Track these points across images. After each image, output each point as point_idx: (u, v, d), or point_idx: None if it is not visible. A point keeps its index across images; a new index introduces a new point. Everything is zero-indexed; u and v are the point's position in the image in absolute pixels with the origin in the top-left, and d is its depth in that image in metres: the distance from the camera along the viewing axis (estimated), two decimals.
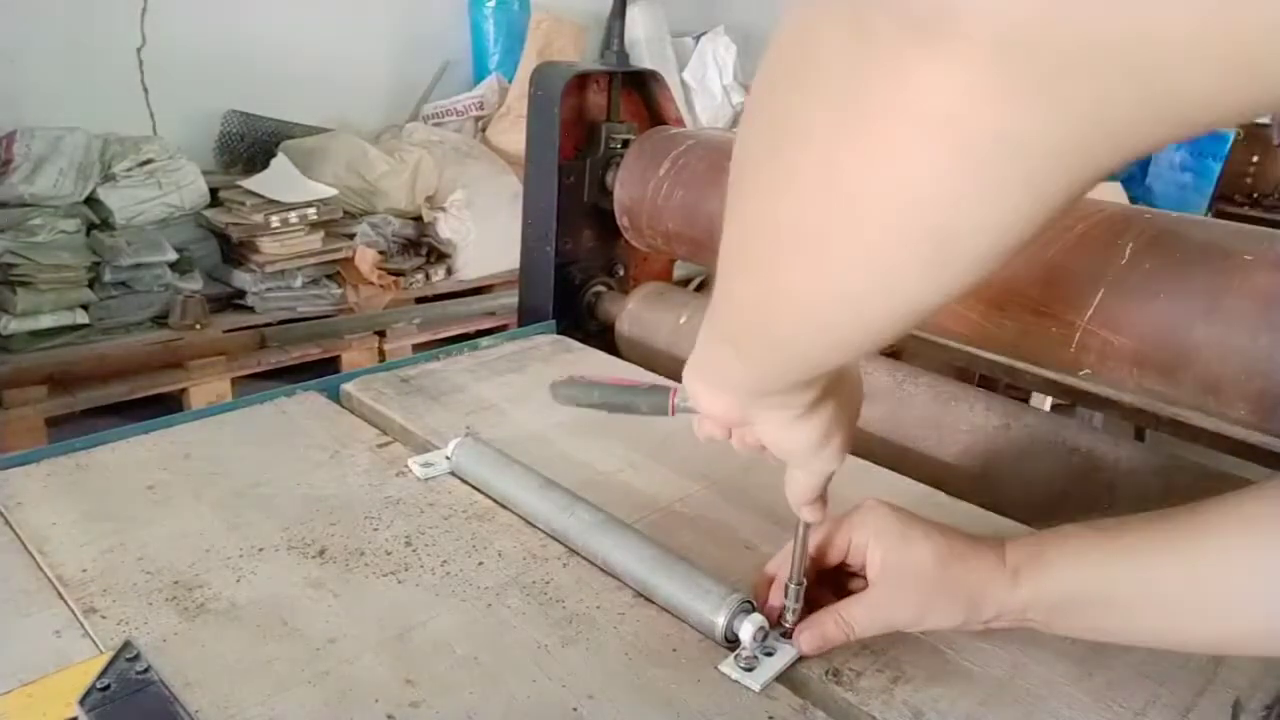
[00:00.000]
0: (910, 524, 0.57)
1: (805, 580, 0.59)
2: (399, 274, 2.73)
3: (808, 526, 0.58)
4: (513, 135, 3.04)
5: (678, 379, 0.58)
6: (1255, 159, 3.50)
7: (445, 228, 2.79)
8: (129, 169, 2.36)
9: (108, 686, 0.52)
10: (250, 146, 2.79)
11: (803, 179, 0.32)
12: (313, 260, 2.55)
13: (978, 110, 0.26)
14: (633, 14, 3.19)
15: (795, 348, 0.40)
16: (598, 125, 1.17)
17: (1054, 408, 1.54)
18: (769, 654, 0.57)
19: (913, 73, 0.26)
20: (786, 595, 0.59)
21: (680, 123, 1.23)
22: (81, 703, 0.51)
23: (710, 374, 0.50)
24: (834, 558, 0.60)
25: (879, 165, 0.29)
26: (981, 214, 0.29)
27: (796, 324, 0.38)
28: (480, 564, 0.66)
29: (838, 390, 0.50)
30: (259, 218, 2.43)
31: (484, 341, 1.09)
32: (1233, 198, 3.47)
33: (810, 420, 0.49)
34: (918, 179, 0.28)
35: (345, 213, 2.65)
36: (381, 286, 2.66)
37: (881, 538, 0.57)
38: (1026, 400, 1.52)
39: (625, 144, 1.17)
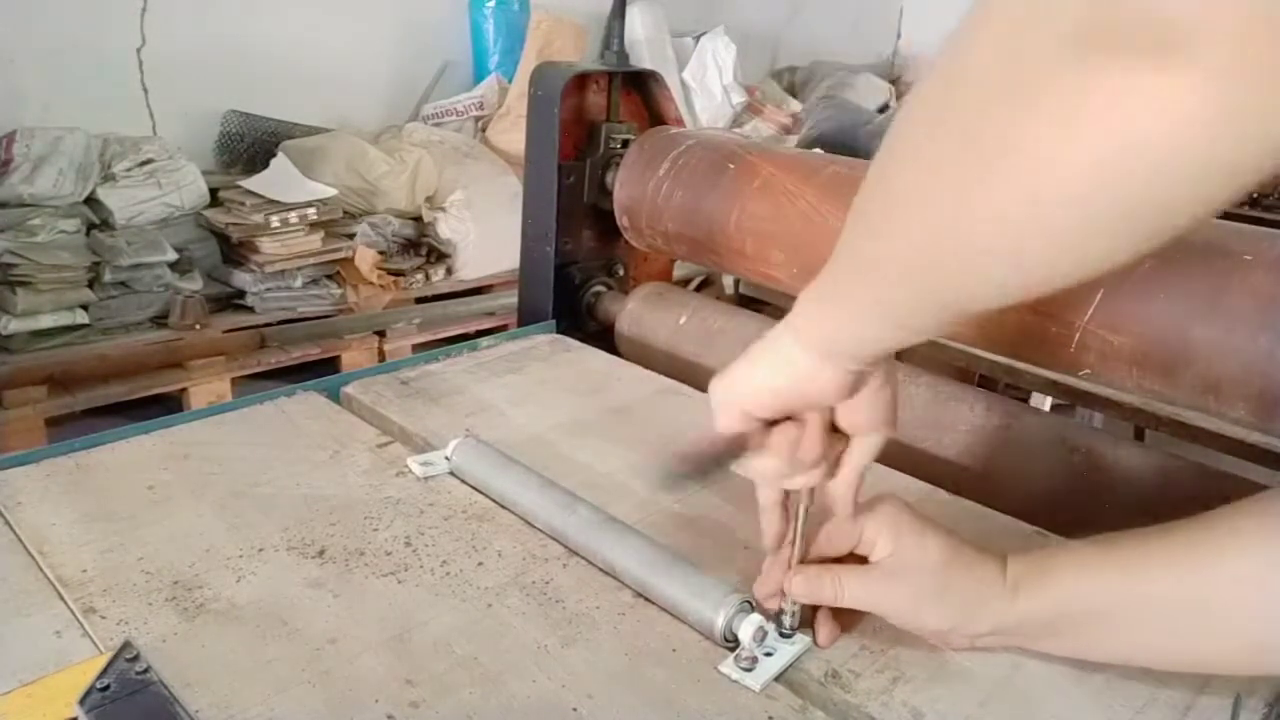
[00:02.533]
0: (923, 524, 0.58)
1: None
2: (399, 274, 2.73)
3: (803, 527, 0.59)
4: (513, 135, 3.04)
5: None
6: None
7: (445, 228, 2.79)
8: (129, 169, 2.36)
9: (107, 687, 0.52)
10: (250, 146, 2.79)
11: (1005, 179, 0.36)
12: (313, 260, 2.55)
13: (1196, 135, 0.30)
14: (633, 14, 3.19)
15: (956, 288, 0.43)
16: (598, 125, 1.17)
17: (1054, 408, 1.54)
18: (768, 654, 0.57)
19: (1140, 93, 0.30)
20: (785, 597, 0.59)
21: (680, 123, 1.23)
22: (81, 703, 0.51)
23: (820, 336, 0.53)
24: (843, 547, 0.60)
25: (1089, 163, 0.32)
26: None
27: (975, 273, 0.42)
28: (480, 564, 0.66)
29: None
30: (259, 218, 2.43)
31: (484, 342, 1.09)
32: None
33: (889, 377, 0.56)
34: (1127, 178, 0.32)
35: (345, 213, 2.65)
36: (381, 286, 2.66)
37: (893, 531, 0.57)
38: (1026, 400, 1.51)
39: (625, 144, 1.17)
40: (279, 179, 2.56)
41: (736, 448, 0.56)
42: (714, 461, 0.56)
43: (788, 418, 0.56)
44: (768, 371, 0.55)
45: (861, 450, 0.58)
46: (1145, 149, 0.31)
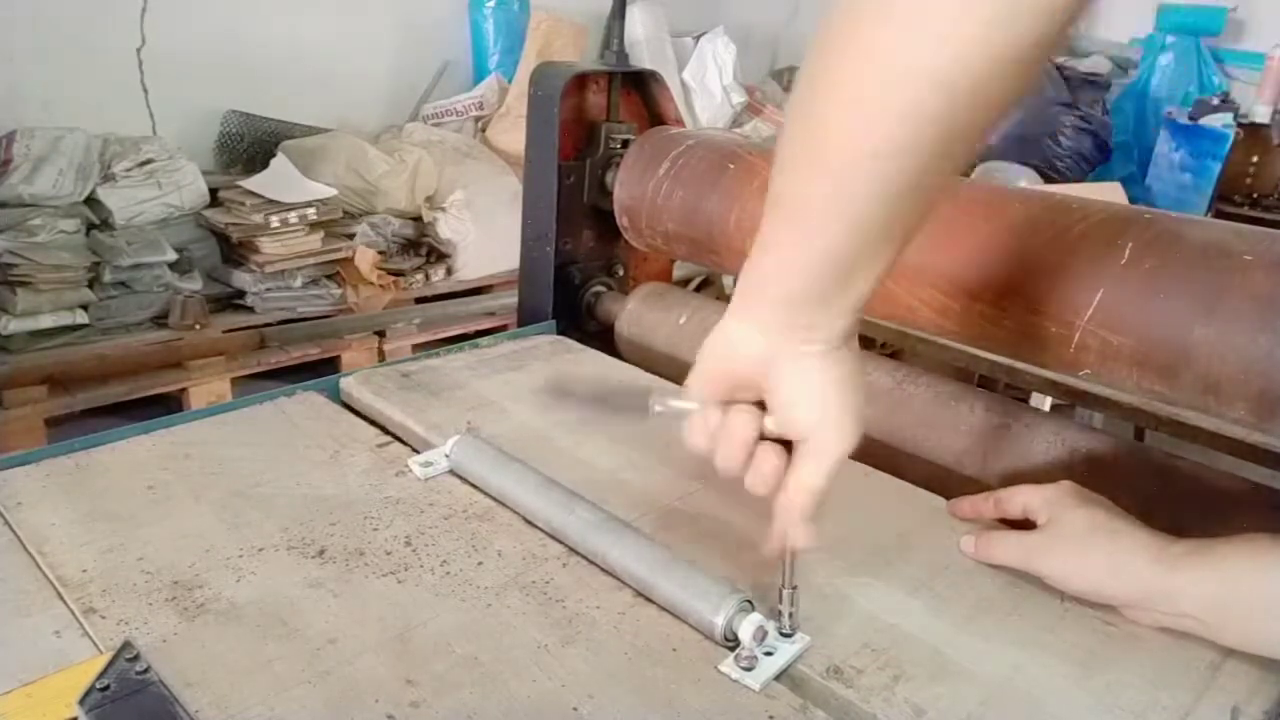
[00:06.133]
0: (1082, 500, 0.64)
1: (798, 585, 0.59)
2: (399, 274, 2.73)
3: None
4: (513, 135, 3.04)
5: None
6: (1255, 159, 3.49)
7: (445, 228, 2.79)
8: (129, 169, 2.36)
9: (107, 687, 0.52)
10: (250, 146, 2.79)
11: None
12: (312, 260, 2.55)
13: None
14: (633, 14, 3.19)
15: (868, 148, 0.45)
16: (597, 125, 1.17)
17: (1054, 408, 1.54)
18: (768, 653, 0.57)
19: None
20: (781, 600, 0.59)
21: (680, 123, 1.23)
22: (81, 703, 0.51)
23: (752, 296, 0.53)
24: (1013, 513, 0.68)
25: None
26: None
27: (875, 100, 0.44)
28: (480, 564, 0.66)
29: (850, 351, 0.54)
30: (259, 218, 2.43)
31: (483, 341, 1.09)
32: (1233, 198, 3.46)
33: (837, 362, 0.53)
34: None
35: (345, 213, 2.65)
36: (381, 287, 2.66)
37: (1049, 502, 0.65)
38: (1026, 400, 1.52)
39: (625, 144, 1.17)
40: (279, 179, 2.56)
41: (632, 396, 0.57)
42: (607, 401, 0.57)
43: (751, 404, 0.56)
44: (708, 344, 0.57)
45: (803, 461, 0.53)
46: None
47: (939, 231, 0.81)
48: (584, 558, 0.67)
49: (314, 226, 2.53)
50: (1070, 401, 1.22)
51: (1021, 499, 0.67)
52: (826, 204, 0.48)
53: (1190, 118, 3.48)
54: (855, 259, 0.50)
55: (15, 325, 2.14)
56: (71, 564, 0.64)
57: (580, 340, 1.12)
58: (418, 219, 2.79)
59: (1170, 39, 3.95)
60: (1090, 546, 0.62)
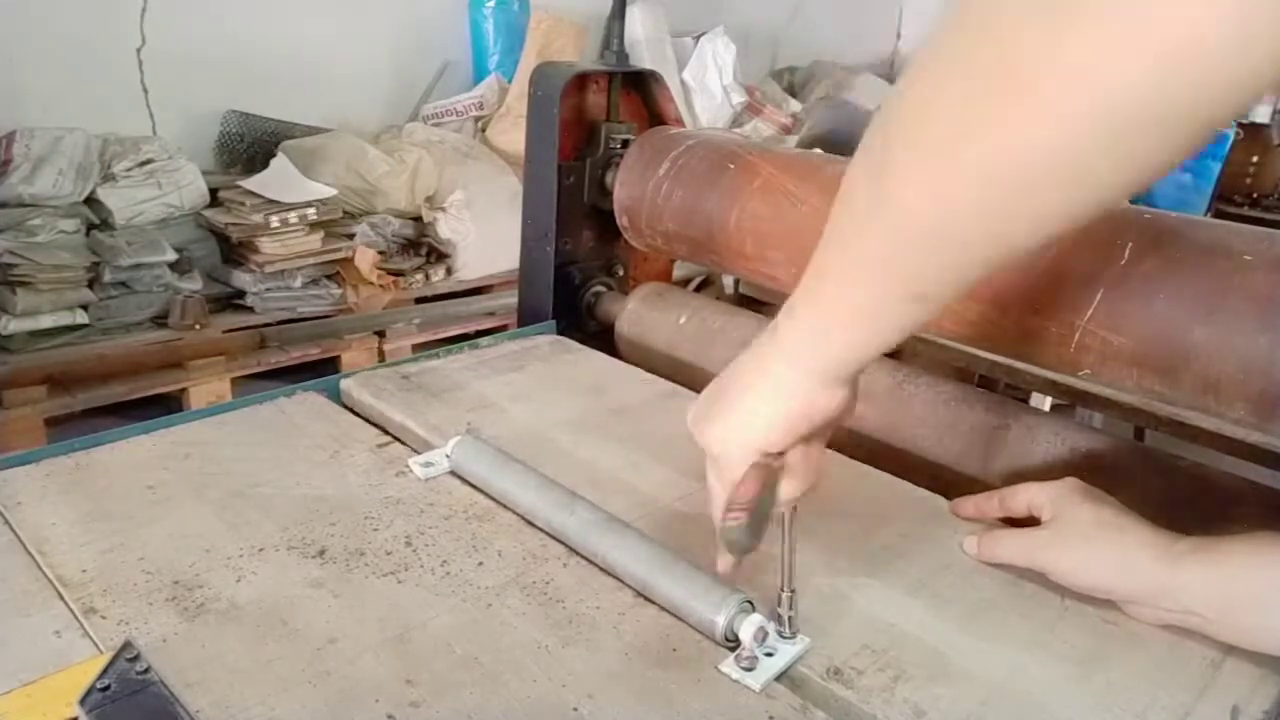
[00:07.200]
0: (1087, 496, 0.64)
1: (796, 589, 0.59)
2: (399, 274, 2.73)
3: (794, 537, 0.59)
4: (513, 135, 3.04)
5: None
6: (1255, 159, 3.49)
7: (445, 228, 2.79)
8: (129, 169, 2.36)
9: (108, 687, 0.52)
10: (250, 146, 2.79)
11: (1058, 95, 0.35)
12: (312, 260, 2.55)
13: (1234, 31, 0.31)
14: (633, 14, 3.19)
15: (979, 230, 0.42)
16: (597, 125, 1.17)
17: (1054, 408, 1.54)
18: (769, 654, 0.57)
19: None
20: (780, 603, 0.59)
21: (680, 123, 1.23)
22: (81, 703, 0.51)
23: (816, 347, 0.52)
24: (1017, 511, 0.68)
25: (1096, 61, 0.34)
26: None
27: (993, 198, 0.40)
28: (480, 564, 0.66)
29: None
30: (259, 218, 2.43)
31: (483, 341, 1.09)
32: (1233, 198, 3.46)
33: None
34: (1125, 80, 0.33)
35: (345, 213, 2.65)
36: (381, 287, 2.66)
37: (1055, 499, 0.64)
38: (1026, 400, 1.51)
39: (625, 144, 1.17)
40: (279, 179, 2.56)
41: (765, 486, 0.57)
42: (759, 510, 0.57)
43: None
44: (772, 406, 0.55)
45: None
46: (1195, 47, 0.32)
47: None
48: (584, 558, 0.67)
49: (314, 226, 2.53)
50: (1070, 401, 1.22)
51: (1026, 496, 0.67)
52: (951, 259, 0.45)
53: None
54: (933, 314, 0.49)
55: (15, 325, 2.14)
56: (71, 564, 0.64)
57: (580, 340, 1.12)
58: (418, 219, 2.79)
59: None
60: (1096, 542, 0.62)
